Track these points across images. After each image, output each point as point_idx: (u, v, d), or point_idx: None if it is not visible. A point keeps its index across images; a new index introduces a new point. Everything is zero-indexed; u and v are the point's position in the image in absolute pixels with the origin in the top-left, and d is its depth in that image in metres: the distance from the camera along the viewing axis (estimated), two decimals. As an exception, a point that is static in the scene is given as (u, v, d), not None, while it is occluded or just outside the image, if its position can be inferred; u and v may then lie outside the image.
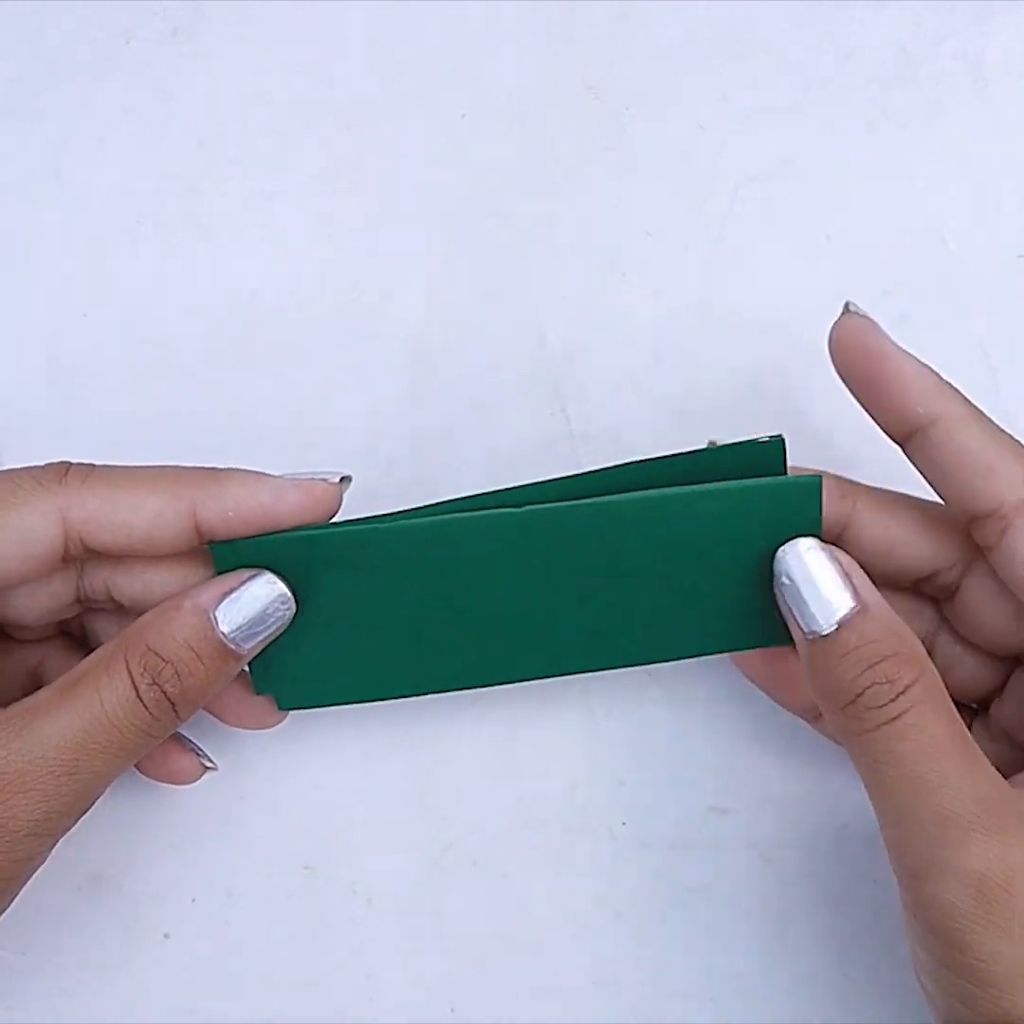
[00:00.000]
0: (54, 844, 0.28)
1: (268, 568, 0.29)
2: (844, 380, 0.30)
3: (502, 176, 0.37)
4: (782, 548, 0.29)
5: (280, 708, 0.32)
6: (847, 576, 0.28)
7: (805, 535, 0.29)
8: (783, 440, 0.29)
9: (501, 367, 0.36)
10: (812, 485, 0.29)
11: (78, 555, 0.29)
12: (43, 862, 0.28)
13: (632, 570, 0.29)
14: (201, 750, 0.32)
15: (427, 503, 0.29)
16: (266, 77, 0.38)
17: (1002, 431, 0.29)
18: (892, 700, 0.26)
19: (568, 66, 0.37)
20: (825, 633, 0.27)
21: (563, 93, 0.37)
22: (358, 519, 0.29)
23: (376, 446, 0.36)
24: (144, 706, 0.27)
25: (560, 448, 0.36)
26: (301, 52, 0.38)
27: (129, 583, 0.30)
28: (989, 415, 0.33)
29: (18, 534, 0.27)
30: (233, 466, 0.29)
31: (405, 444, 0.36)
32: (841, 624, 0.27)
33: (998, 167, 0.37)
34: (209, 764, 0.32)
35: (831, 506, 0.29)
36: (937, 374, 0.29)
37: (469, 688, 0.31)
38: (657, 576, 0.30)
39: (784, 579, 0.28)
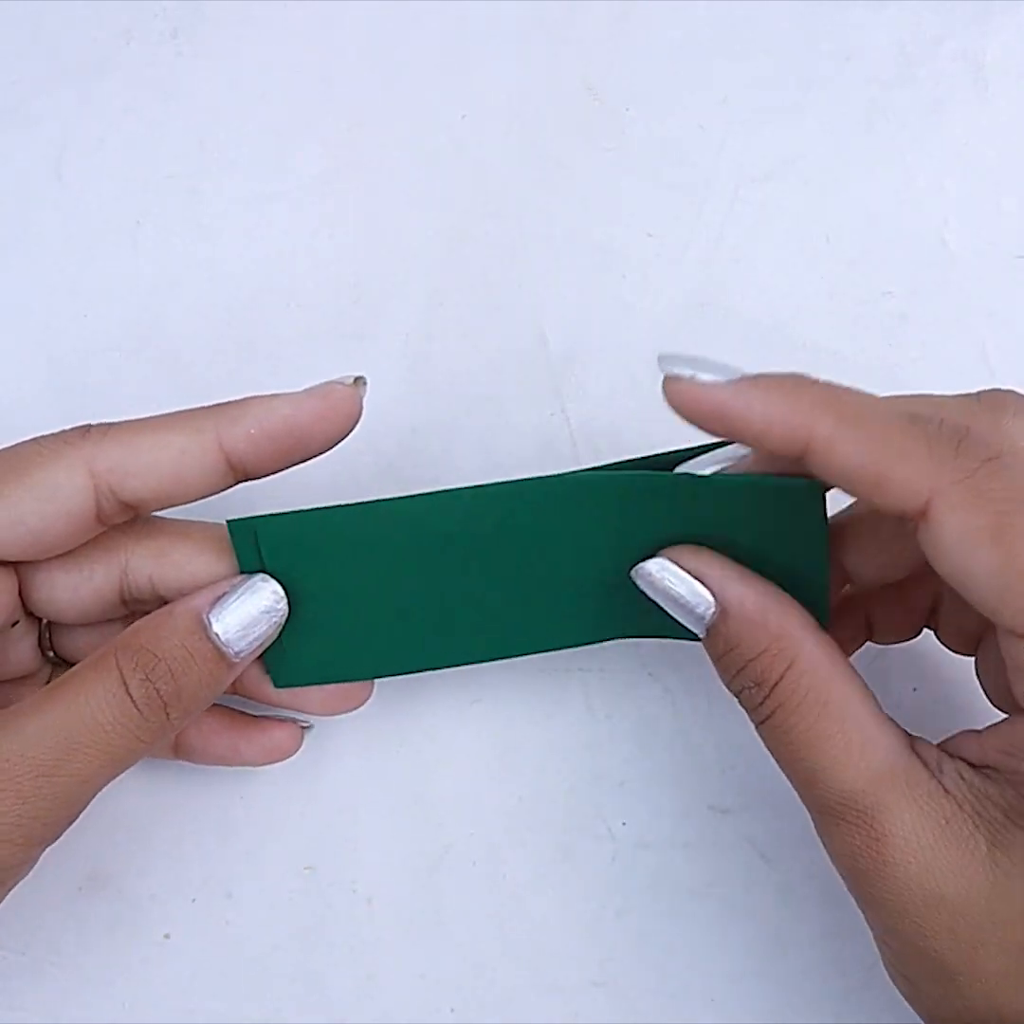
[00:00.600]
0: (37, 853, 0.27)
1: (265, 570, 0.29)
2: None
3: (502, 176, 0.37)
4: (636, 568, 0.28)
5: (275, 686, 0.32)
6: (699, 580, 0.27)
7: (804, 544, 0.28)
8: (821, 487, 0.27)
9: (501, 367, 0.36)
10: (814, 487, 0.27)
11: (113, 513, 0.28)
12: (25, 872, 0.27)
13: (619, 548, 0.29)
14: (290, 716, 0.32)
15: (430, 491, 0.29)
16: (266, 77, 0.38)
17: (890, 422, 0.24)
18: (761, 703, 0.26)
19: (568, 66, 0.37)
20: (702, 639, 0.27)
21: (563, 93, 0.37)
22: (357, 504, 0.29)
23: (376, 446, 0.36)
24: (133, 703, 0.26)
25: (560, 448, 0.36)
26: (301, 52, 0.38)
27: (174, 575, 0.29)
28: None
29: (47, 491, 0.27)
30: (249, 395, 0.28)
31: (405, 444, 0.36)
32: (708, 630, 0.27)
33: (998, 167, 0.37)
34: (305, 723, 0.32)
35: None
36: (793, 384, 0.25)
37: (455, 665, 0.32)
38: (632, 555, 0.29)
39: (651, 597, 0.28)
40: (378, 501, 0.29)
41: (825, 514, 0.27)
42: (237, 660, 0.28)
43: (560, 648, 0.32)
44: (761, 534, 0.28)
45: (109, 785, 0.27)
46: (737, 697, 0.27)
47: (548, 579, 0.30)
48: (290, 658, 0.31)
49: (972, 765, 0.26)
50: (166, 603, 0.28)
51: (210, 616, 0.27)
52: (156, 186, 0.37)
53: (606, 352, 0.36)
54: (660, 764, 0.35)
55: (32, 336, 0.36)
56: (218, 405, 0.28)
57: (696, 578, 0.27)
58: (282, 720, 0.33)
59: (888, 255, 0.36)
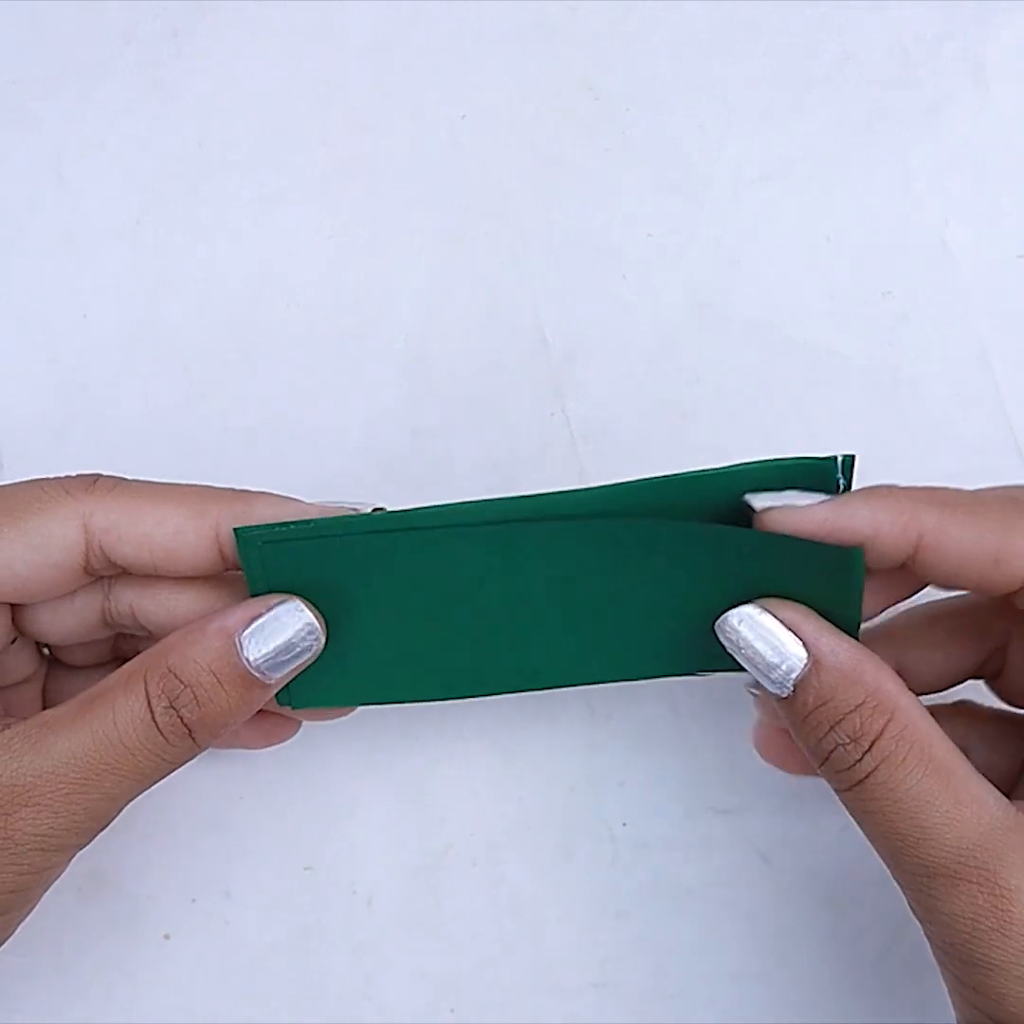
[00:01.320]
0: (67, 859, 0.28)
1: (294, 582, 0.28)
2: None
3: (502, 176, 0.37)
4: (724, 616, 0.27)
5: (294, 708, 0.30)
6: (792, 631, 0.26)
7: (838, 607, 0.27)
8: (849, 459, 0.27)
9: (501, 367, 0.36)
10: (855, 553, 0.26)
11: (101, 568, 0.28)
12: (56, 876, 0.28)
13: (655, 590, 0.28)
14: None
15: (445, 503, 0.28)
16: (266, 77, 0.38)
17: (993, 504, 0.26)
18: (858, 760, 0.25)
19: (568, 66, 0.37)
20: (784, 696, 0.26)
21: (563, 93, 0.37)
22: (380, 515, 0.28)
23: (376, 446, 0.36)
24: (159, 731, 0.26)
25: (560, 448, 0.36)
26: (301, 52, 0.38)
27: (154, 608, 0.29)
28: (989, 416, 0.33)
29: (39, 539, 0.27)
30: (264, 489, 0.28)
31: (405, 444, 0.36)
32: (796, 685, 0.26)
33: (998, 168, 0.37)
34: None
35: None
36: (887, 490, 0.26)
37: (483, 695, 0.30)
38: (681, 595, 0.28)
39: (730, 647, 0.27)
40: (414, 512, 0.28)
41: (862, 579, 0.27)
42: (271, 682, 0.27)
43: (596, 682, 0.30)
44: (805, 593, 0.27)
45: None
46: (826, 759, 0.26)
47: (591, 611, 0.29)
48: (309, 678, 0.29)
49: None
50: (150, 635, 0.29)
51: (243, 639, 0.27)
52: (156, 186, 0.37)
53: (606, 352, 0.36)
54: (660, 765, 0.35)
55: (32, 336, 0.36)
56: (227, 491, 0.28)
57: (789, 628, 0.26)
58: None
59: (888, 255, 0.36)
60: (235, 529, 0.27)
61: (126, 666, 0.27)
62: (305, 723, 0.35)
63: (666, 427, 0.36)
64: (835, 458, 0.27)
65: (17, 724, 0.27)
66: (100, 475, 0.28)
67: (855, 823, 0.27)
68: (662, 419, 0.36)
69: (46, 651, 0.32)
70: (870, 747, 0.25)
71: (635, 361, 0.36)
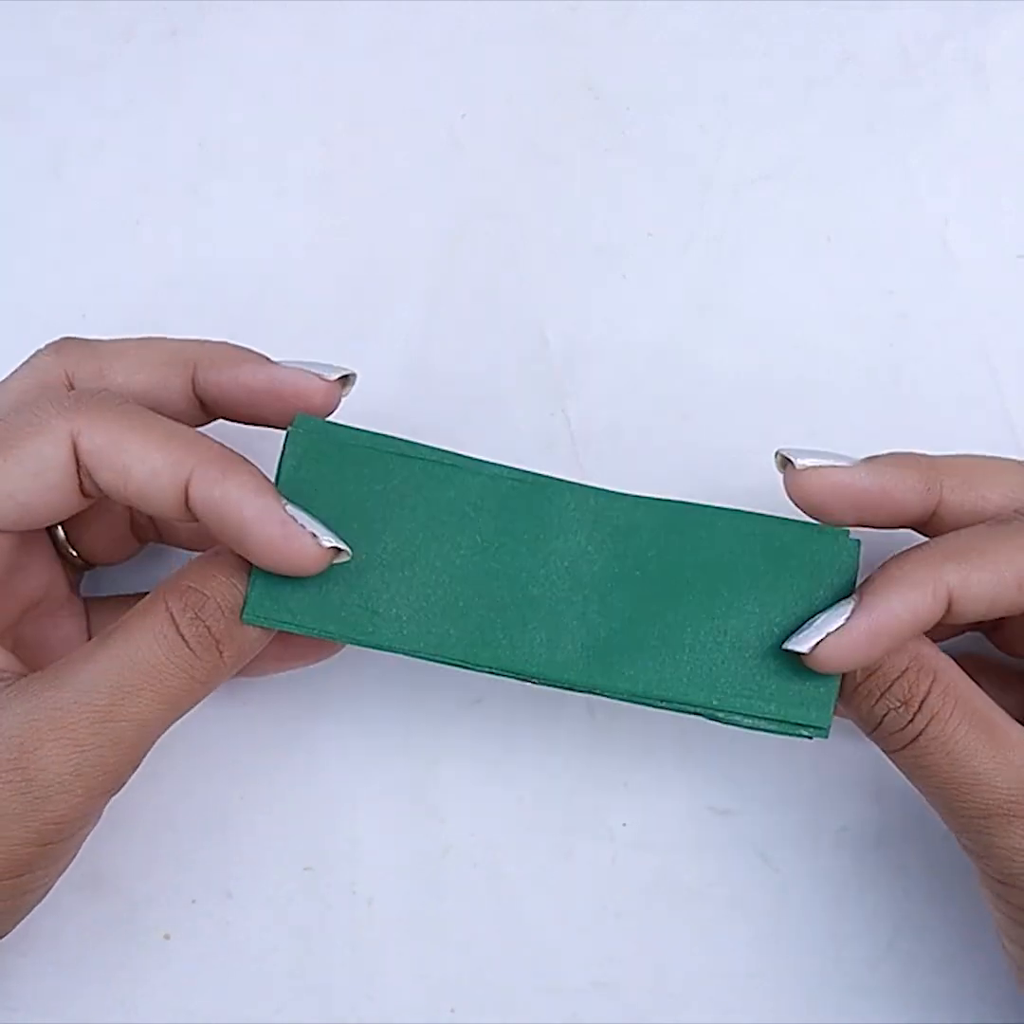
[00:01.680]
0: (101, 805, 0.27)
1: (325, 489, 0.27)
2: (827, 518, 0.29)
3: (502, 176, 0.37)
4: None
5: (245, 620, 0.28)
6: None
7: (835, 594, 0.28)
8: (858, 544, 0.28)
9: (501, 367, 0.36)
10: (851, 546, 0.28)
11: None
12: (92, 824, 0.27)
13: (681, 585, 0.28)
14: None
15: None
16: (266, 76, 0.37)
17: (1003, 537, 0.27)
18: (910, 721, 0.27)
19: (568, 66, 0.37)
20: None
21: (563, 93, 0.37)
22: (440, 450, 0.28)
23: (376, 446, 0.36)
24: (185, 643, 0.26)
25: (560, 448, 0.36)
26: (301, 52, 0.38)
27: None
28: (990, 415, 0.33)
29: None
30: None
31: (405, 444, 0.36)
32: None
33: (999, 167, 0.37)
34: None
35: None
36: (912, 456, 0.28)
37: (480, 670, 0.29)
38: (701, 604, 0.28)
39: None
40: (456, 457, 0.28)
41: (858, 562, 0.28)
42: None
43: (599, 692, 0.29)
44: (796, 583, 0.28)
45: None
46: (880, 724, 0.27)
47: (609, 599, 0.28)
48: (312, 597, 0.27)
49: None
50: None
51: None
52: (156, 186, 0.37)
53: (606, 352, 0.36)
54: (660, 765, 0.35)
55: (32, 336, 0.36)
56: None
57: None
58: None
59: (889, 255, 0.36)
60: (298, 417, 0.27)
61: (142, 601, 0.27)
62: (305, 722, 0.35)
63: (666, 427, 0.36)
64: (857, 541, 0.28)
65: (37, 672, 0.26)
66: (69, 338, 0.28)
67: (908, 780, 0.28)
68: (662, 419, 0.36)
69: (75, 554, 0.31)
70: (920, 707, 0.27)
71: (635, 361, 0.36)
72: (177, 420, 0.27)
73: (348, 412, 0.36)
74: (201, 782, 0.35)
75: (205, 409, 0.29)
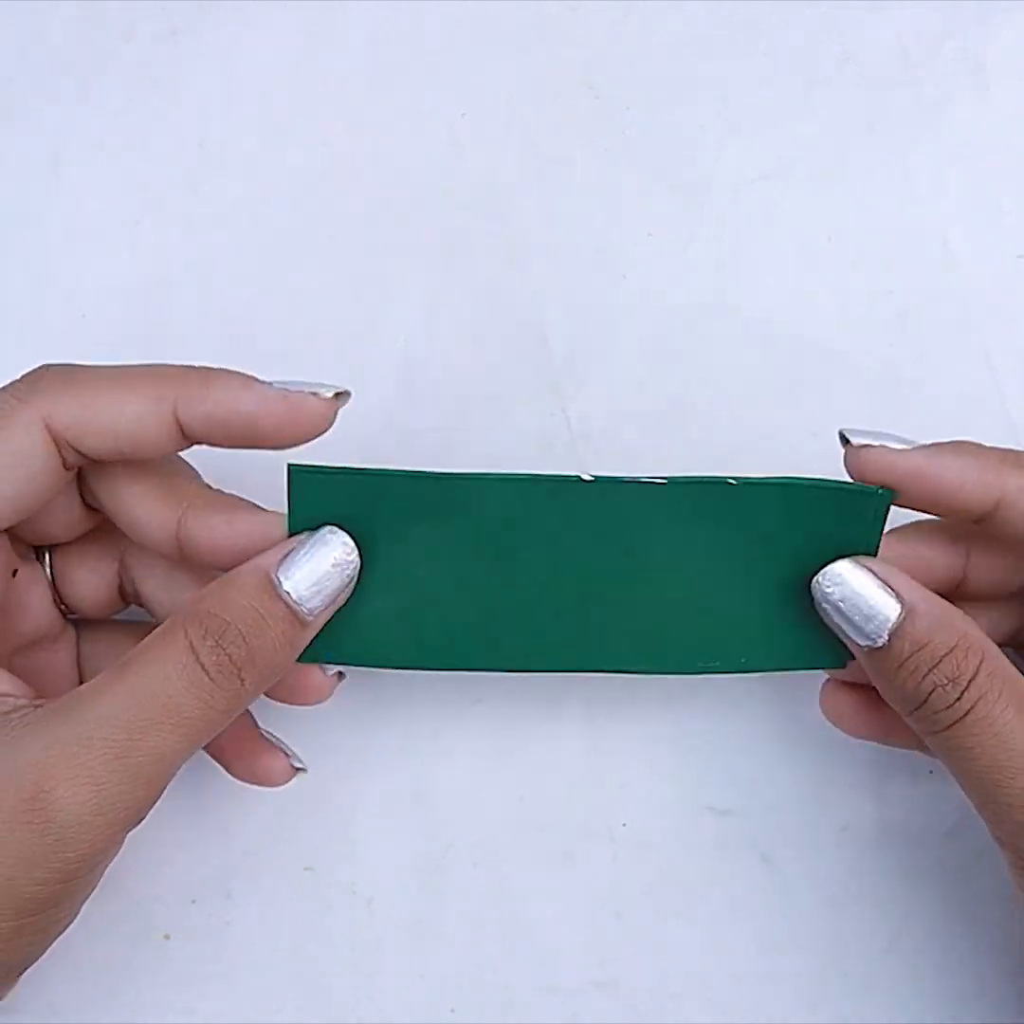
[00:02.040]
0: (122, 837, 0.26)
1: (333, 522, 0.27)
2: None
3: (502, 176, 0.37)
4: (818, 576, 0.28)
5: (300, 660, 0.29)
6: (885, 583, 0.27)
7: (857, 552, 0.28)
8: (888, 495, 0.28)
9: (501, 367, 0.36)
10: (884, 496, 0.28)
11: (75, 461, 0.28)
12: (114, 855, 0.26)
13: (684, 562, 0.29)
14: (291, 751, 0.31)
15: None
16: (265, 76, 0.37)
17: None
18: (957, 699, 0.26)
19: (568, 66, 0.37)
20: (879, 646, 0.27)
21: (563, 92, 0.37)
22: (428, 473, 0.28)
23: (375, 446, 0.36)
24: (204, 672, 0.25)
25: (560, 448, 0.36)
26: (300, 52, 0.38)
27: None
28: (991, 415, 0.33)
29: (10, 457, 0.26)
30: (224, 367, 0.28)
31: (405, 444, 0.36)
32: (891, 634, 0.27)
33: (999, 167, 0.37)
34: (299, 766, 0.31)
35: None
36: (976, 448, 0.28)
37: (502, 671, 0.30)
38: (706, 573, 0.29)
39: (825, 605, 0.28)
40: (458, 476, 0.28)
41: (883, 525, 0.28)
42: (311, 618, 0.27)
43: (638, 671, 0.30)
44: (825, 541, 0.28)
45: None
46: (924, 702, 0.27)
47: (616, 588, 0.29)
48: (332, 632, 0.28)
49: None
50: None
51: (279, 574, 0.26)
52: (155, 186, 0.37)
53: (606, 352, 0.36)
54: (660, 765, 0.35)
55: (31, 336, 0.36)
56: (182, 371, 0.27)
57: (882, 580, 0.28)
58: (277, 748, 0.31)
59: (890, 255, 0.36)
60: (289, 465, 0.27)
61: (159, 627, 0.26)
62: (305, 723, 0.35)
63: (666, 427, 0.36)
64: (877, 492, 0.28)
65: (49, 703, 0.25)
66: (48, 369, 0.28)
67: (944, 766, 0.28)
68: (662, 419, 0.36)
69: (64, 608, 0.32)
70: (968, 685, 0.26)
71: (635, 361, 0.36)
72: (163, 453, 0.28)
73: (348, 411, 0.36)
74: (202, 782, 0.35)
75: (188, 438, 0.28)
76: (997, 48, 0.37)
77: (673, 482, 0.28)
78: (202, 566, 0.29)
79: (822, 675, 0.32)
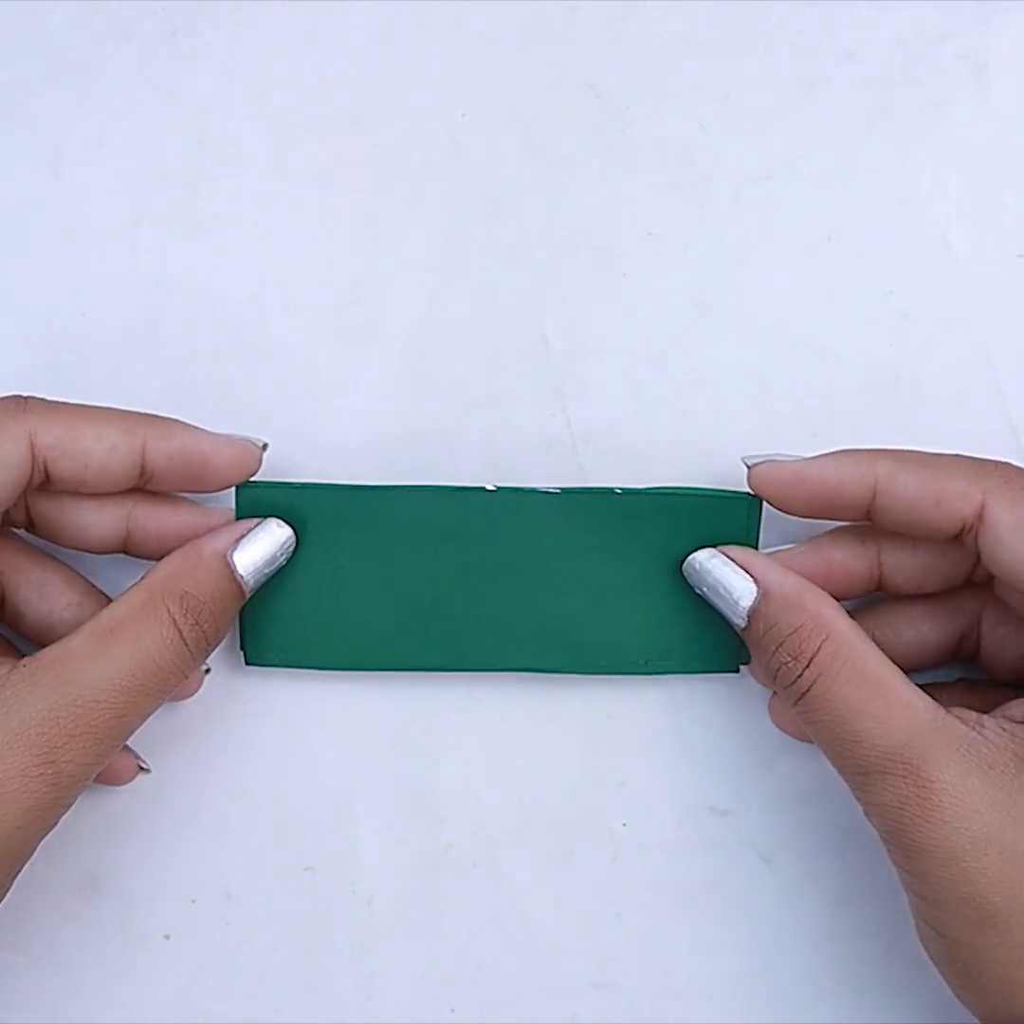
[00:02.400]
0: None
1: (275, 515, 0.32)
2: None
3: (502, 176, 0.37)
4: (687, 561, 0.32)
5: (247, 662, 0.33)
6: (742, 568, 0.30)
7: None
8: (759, 502, 0.32)
9: (501, 367, 0.36)
10: (753, 501, 0.32)
11: (39, 483, 0.30)
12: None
13: (581, 567, 0.32)
14: (136, 753, 0.33)
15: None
16: (265, 76, 0.37)
17: (941, 458, 0.30)
18: (799, 676, 0.29)
19: (568, 66, 0.37)
20: (742, 626, 0.30)
21: (564, 92, 0.37)
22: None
23: (376, 446, 0.36)
24: (186, 645, 0.29)
25: (560, 448, 0.36)
26: (301, 52, 0.38)
27: (73, 521, 0.32)
28: (991, 416, 0.33)
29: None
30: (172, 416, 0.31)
31: (405, 444, 0.36)
32: (750, 615, 0.30)
33: (1000, 167, 0.37)
34: (144, 766, 0.33)
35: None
36: (853, 449, 0.31)
37: (437, 670, 0.33)
38: (603, 578, 0.32)
39: (698, 592, 0.31)
40: (386, 487, 0.32)
41: (759, 526, 0.32)
42: (248, 594, 0.31)
43: (558, 671, 0.34)
44: (704, 545, 0.32)
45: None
46: (775, 676, 0.29)
47: (544, 594, 0.33)
48: (268, 636, 0.33)
49: (1012, 720, 0.28)
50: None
51: (233, 556, 0.31)
52: (155, 186, 0.37)
53: (606, 352, 0.36)
54: (660, 764, 0.35)
55: (31, 336, 0.36)
56: (148, 415, 0.31)
57: (742, 567, 0.31)
58: (125, 750, 0.33)
59: (890, 255, 0.36)
60: (237, 486, 0.32)
61: (131, 596, 0.29)
62: (305, 723, 0.35)
63: (666, 427, 0.36)
64: (746, 497, 0.32)
65: (32, 661, 0.28)
66: (30, 397, 0.30)
67: (862, 826, 0.29)
68: (662, 419, 0.36)
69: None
70: (809, 663, 0.28)
71: (635, 361, 0.36)
72: (119, 488, 0.31)
73: (348, 411, 0.36)
74: (201, 782, 0.35)
75: (144, 474, 0.31)
76: (998, 48, 0.37)
77: (566, 492, 0.32)
78: (148, 557, 0.32)
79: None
